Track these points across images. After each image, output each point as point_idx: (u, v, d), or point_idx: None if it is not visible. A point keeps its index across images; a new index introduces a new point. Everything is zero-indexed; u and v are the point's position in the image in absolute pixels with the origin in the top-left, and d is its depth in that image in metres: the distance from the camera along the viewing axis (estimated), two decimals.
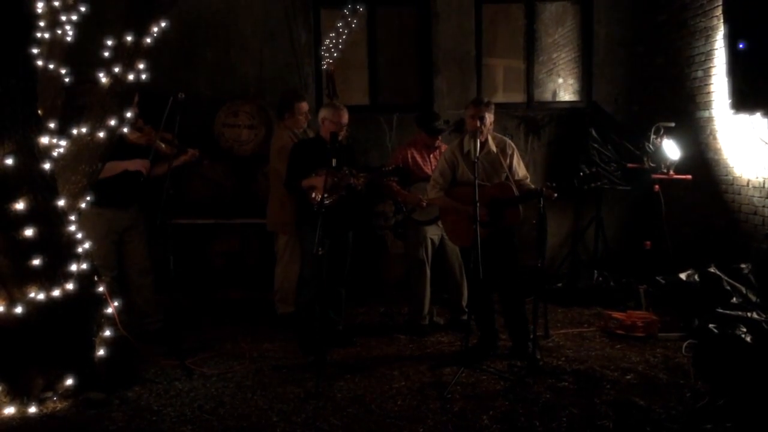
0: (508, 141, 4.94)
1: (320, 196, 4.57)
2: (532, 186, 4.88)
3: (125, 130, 4.81)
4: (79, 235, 4.29)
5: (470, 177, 4.68)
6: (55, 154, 4.29)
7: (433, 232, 5.46)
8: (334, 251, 5.01)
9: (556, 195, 4.63)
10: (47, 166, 4.08)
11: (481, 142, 4.69)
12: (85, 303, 4.21)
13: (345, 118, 5.08)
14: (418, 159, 5.53)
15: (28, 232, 3.89)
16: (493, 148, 4.82)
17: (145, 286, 5.24)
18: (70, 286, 4.08)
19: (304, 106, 5.58)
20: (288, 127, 5.53)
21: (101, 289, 4.39)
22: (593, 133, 6.87)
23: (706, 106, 6.17)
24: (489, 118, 4.75)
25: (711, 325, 4.80)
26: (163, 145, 5.06)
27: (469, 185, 4.62)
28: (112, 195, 4.98)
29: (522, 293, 4.88)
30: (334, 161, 4.65)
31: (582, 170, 6.59)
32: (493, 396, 4.10)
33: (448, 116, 7.27)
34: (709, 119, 6.13)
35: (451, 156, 4.91)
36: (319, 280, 4.63)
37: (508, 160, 4.84)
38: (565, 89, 8.03)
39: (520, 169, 4.91)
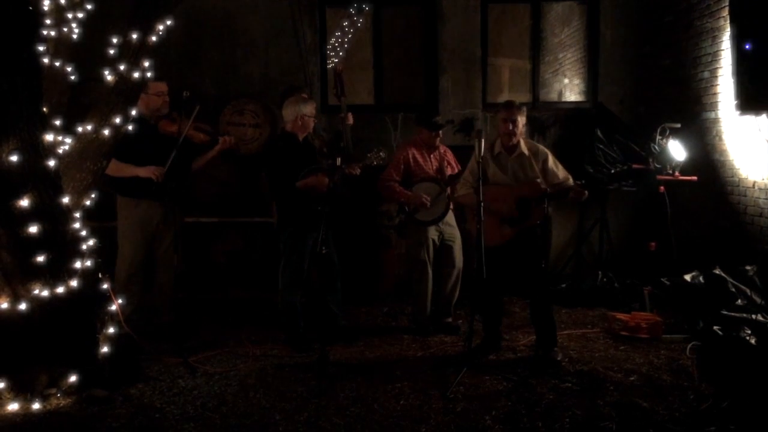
0: (542, 147, 4.92)
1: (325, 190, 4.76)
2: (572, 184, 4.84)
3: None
4: (84, 232, 4.29)
5: (501, 177, 4.81)
6: (60, 151, 4.30)
7: (434, 233, 5.45)
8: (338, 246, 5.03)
9: (586, 193, 4.70)
10: (52, 163, 4.09)
11: (513, 145, 4.78)
12: (89, 300, 4.21)
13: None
14: (419, 158, 5.50)
15: (33, 229, 3.90)
16: (525, 151, 4.82)
17: (165, 282, 5.21)
18: (74, 283, 4.09)
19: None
20: None
21: (105, 286, 4.40)
22: (598, 133, 6.84)
23: (713, 107, 6.15)
24: (521, 120, 4.78)
25: (715, 327, 4.80)
26: (198, 134, 5.09)
27: (498, 185, 4.77)
28: (147, 187, 4.98)
29: (548, 296, 4.85)
30: (339, 160, 4.73)
31: (606, 168, 6.60)
32: (496, 396, 4.09)
33: (453, 116, 7.30)
34: (716, 120, 6.11)
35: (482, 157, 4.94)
36: (319, 277, 4.69)
37: (540, 165, 4.80)
38: (570, 89, 8.01)
39: (560, 171, 4.84)
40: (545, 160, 4.82)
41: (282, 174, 5.00)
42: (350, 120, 5.60)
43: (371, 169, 5.28)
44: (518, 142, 4.81)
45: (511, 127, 4.75)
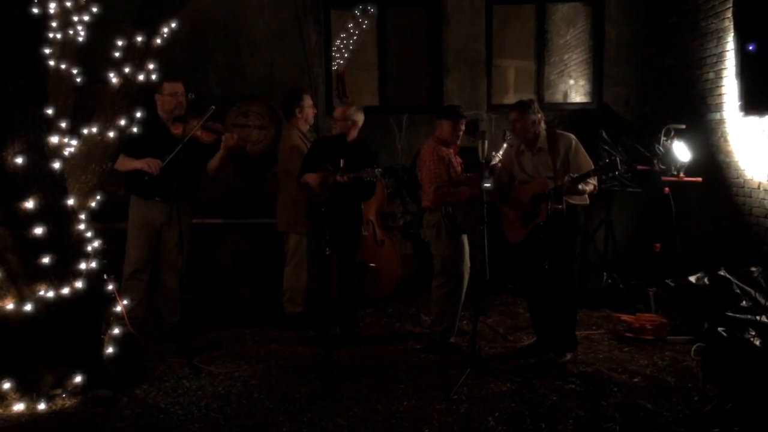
0: (565, 137, 4.75)
1: (317, 191, 4.84)
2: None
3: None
4: (89, 234, 4.32)
5: (522, 175, 4.85)
6: (65, 153, 4.32)
7: (465, 240, 5.15)
8: (337, 248, 4.99)
9: (580, 187, 4.60)
10: (57, 165, 4.11)
11: (531, 142, 4.77)
12: (94, 301, 4.23)
13: (337, 113, 5.21)
14: (452, 159, 5.10)
15: (38, 231, 3.92)
16: (544, 146, 4.75)
17: (170, 283, 5.22)
18: (79, 284, 4.11)
19: (310, 98, 5.70)
20: (296, 125, 5.57)
21: (111, 287, 4.42)
22: (604, 134, 6.83)
23: (717, 108, 6.14)
24: (528, 119, 4.72)
25: (720, 329, 4.79)
26: (205, 135, 5.10)
27: (523, 183, 4.84)
28: (152, 189, 5.01)
29: (561, 297, 4.76)
30: (342, 162, 4.73)
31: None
32: (500, 397, 4.09)
33: None
34: (720, 121, 6.10)
35: (507, 157, 5.01)
36: (326, 278, 4.67)
37: (562, 156, 4.69)
38: (575, 90, 8.00)
39: (583, 163, 4.68)
40: (566, 151, 4.70)
41: (301, 166, 5.14)
42: None
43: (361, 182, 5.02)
44: (535, 138, 4.76)
45: (517, 127, 4.78)
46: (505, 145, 5.31)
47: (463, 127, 5.13)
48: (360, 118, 5.24)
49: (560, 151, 4.70)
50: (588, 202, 4.82)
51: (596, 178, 4.71)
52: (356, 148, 5.16)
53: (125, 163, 5.00)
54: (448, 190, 4.94)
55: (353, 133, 5.20)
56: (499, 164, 5.11)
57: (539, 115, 4.78)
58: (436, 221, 5.01)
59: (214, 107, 5.00)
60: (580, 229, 4.98)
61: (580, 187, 4.58)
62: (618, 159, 4.54)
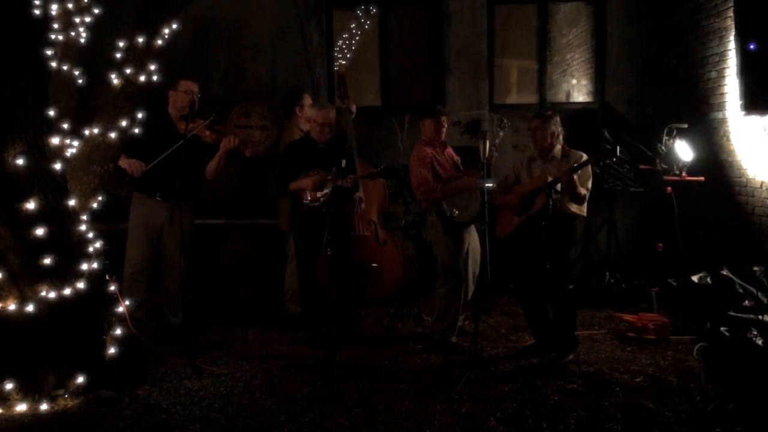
0: (578, 155, 4.84)
1: (310, 197, 4.90)
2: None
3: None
4: (91, 235, 4.32)
5: (528, 180, 4.95)
6: (67, 154, 4.33)
7: (468, 237, 5.15)
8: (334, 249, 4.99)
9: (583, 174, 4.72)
10: (58, 166, 4.12)
11: (545, 151, 4.88)
12: (96, 302, 4.24)
13: (326, 116, 5.14)
14: (438, 157, 5.15)
15: (39, 232, 3.92)
16: (557, 157, 4.88)
17: (172, 284, 5.22)
18: (81, 284, 4.11)
19: (310, 98, 5.76)
20: (296, 124, 5.57)
21: (112, 288, 4.43)
22: (606, 134, 6.82)
23: (720, 107, 6.13)
24: (549, 130, 4.86)
25: (722, 328, 4.77)
26: (207, 133, 5.10)
27: (525, 185, 4.94)
28: (155, 185, 5.02)
29: (561, 299, 4.77)
30: (343, 162, 4.73)
31: (614, 168, 6.60)
32: (501, 397, 4.09)
33: (460, 117, 7.29)
34: (723, 120, 6.08)
35: (519, 163, 5.12)
36: (330, 279, 4.69)
37: (570, 167, 4.73)
38: (578, 90, 8.00)
39: (585, 180, 4.77)
40: (575, 163, 4.74)
41: (280, 174, 5.17)
42: (353, 109, 5.62)
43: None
44: (550, 149, 4.87)
45: (537, 135, 4.87)
46: (501, 134, 5.33)
47: (445, 123, 5.22)
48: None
49: (570, 163, 4.78)
50: (585, 213, 4.86)
51: (591, 181, 4.80)
52: (334, 148, 5.16)
53: (120, 161, 5.00)
54: (429, 188, 5.01)
55: (327, 135, 5.19)
56: (496, 153, 5.13)
57: (559, 129, 4.90)
58: (434, 221, 5.04)
59: (215, 115, 5.01)
60: (575, 241, 5.00)
61: (575, 177, 4.62)
62: (618, 147, 4.68)
